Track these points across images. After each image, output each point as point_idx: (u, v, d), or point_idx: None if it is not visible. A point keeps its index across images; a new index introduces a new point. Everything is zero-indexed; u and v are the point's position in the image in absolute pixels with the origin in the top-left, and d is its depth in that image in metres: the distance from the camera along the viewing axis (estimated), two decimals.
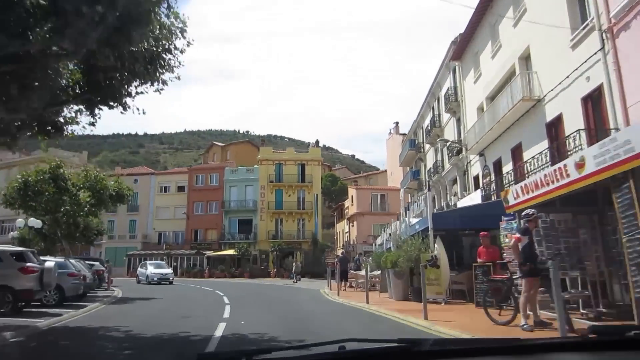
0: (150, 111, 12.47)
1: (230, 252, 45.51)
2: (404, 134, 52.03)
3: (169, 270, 34.51)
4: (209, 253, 46.63)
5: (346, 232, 56.28)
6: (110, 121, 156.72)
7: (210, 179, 52.01)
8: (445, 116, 27.70)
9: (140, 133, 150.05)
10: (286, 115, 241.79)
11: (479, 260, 11.46)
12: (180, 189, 53.51)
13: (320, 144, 69.92)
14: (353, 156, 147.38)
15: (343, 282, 21.25)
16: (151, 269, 33.53)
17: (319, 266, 46.37)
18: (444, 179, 28.66)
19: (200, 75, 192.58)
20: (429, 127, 30.97)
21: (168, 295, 21.03)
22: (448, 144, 24.99)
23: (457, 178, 25.75)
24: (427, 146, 33.44)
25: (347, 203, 56.94)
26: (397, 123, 56.62)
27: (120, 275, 48.79)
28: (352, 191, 53.91)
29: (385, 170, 61.25)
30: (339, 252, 45.36)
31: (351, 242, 52.04)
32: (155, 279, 32.31)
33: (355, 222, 51.27)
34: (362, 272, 19.25)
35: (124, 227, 53.90)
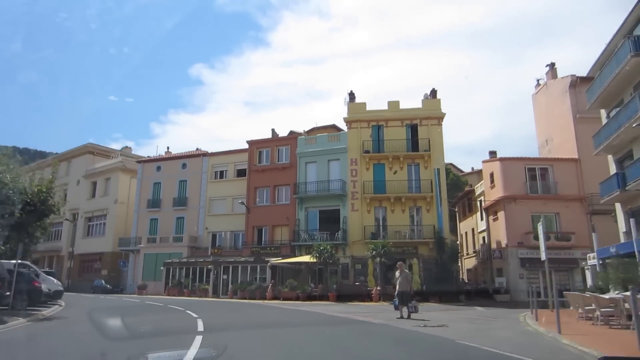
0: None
1: (307, 259, 28.92)
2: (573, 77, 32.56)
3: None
4: (274, 261, 30.37)
5: (480, 232, 37.10)
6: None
7: (278, 154, 36.22)
8: None
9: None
10: None
11: None
12: (241, 173, 38.47)
13: None
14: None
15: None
16: None
17: (448, 281, 28.43)
18: None
19: (289, 98, 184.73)
20: None
21: None
22: None
23: None
24: None
25: (477, 189, 37.83)
26: (552, 64, 36.83)
27: (154, 292, 34.47)
28: (489, 167, 34.77)
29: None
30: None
31: (494, 245, 32.95)
32: None
33: (499, 214, 32.14)
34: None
35: (168, 226, 39.98)
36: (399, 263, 15.25)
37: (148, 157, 47.62)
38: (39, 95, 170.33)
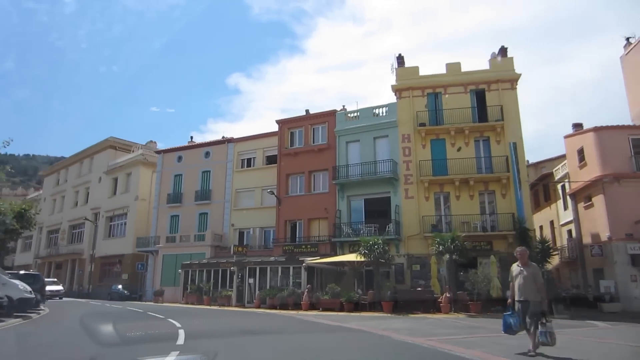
0: None
1: (352, 257, 22.80)
2: None
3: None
4: (310, 261, 24.41)
5: (564, 224, 29.87)
6: None
7: (313, 134, 30.42)
8: None
9: None
10: None
11: None
12: (271, 160, 32.99)
13: None
14: None
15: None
16: None
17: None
18: None
19: (325, 103, 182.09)
20: None
21: None
22: None
23: None
24: None
25: (557, 172, 30.59)
26: None
27: (172, 300, 29.39)
28: (575, 142, 27.52)
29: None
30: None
31: (587, 239, 25.78)
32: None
33: (595, 199, 25.00)
34: None
35: (190, 224, 34.98)
36: (519, 250, 8.50)
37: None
38: (85, 108, 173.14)
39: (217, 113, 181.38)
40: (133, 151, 44.64)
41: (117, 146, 47.21)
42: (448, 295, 19.81)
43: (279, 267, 25.15)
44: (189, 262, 29.73)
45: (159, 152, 39.27)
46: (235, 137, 35.70)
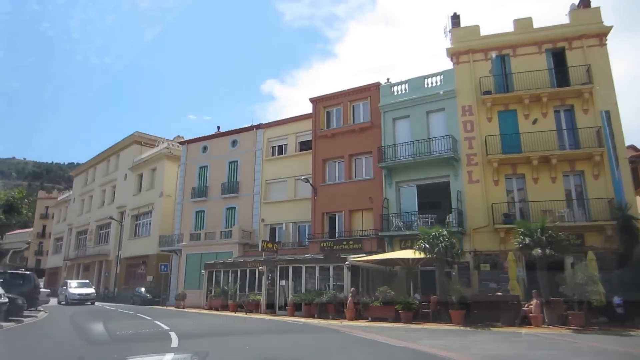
0: None
1: (408, 254, 18.26)
2: None
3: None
4: (353, 259, 20.00)
5: None
6: None
7: (353, 112, 26.15)
8: None
9: None
10: None
11: None
12: (305, 146, 28.99)
13: None
14: None
15: None
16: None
17: None
18: None
19: None
20: None
21: None
22: None
23: None
24: None
25: None
26: None
27: (195, 304, 25.82)
28: None
29: None
30: None
31: None
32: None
33: None
34: None
35: (216, 220, 31.40)
36: None
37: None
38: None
39: (252, 120, 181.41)
40: (158, 145, 41.70)
41: (142, 141, 44.42)
42: (538, 302, 15.03)
43: (316, 267, 20.87)
44: (212, 262, 26.01)
45: (182, 142, 35.98)
46: (264, 122, 31.91)
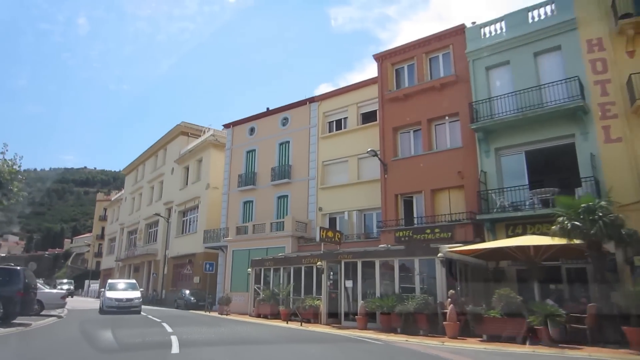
0: None
1: (540, 240, 12.52)
2: None
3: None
4: (448, 249, 14.45)
5: None
6: None
7: (430, 67, 20.56)
8: None
9: None
10: None
11: None
12: (368, 118, 23.87)
13: None
14: None
15: None
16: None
17: None
18: None
19: None
20: None
21: None
22: None
23: None
24: None
25: None
26: None
27: (241, 310, 21.39)
28: None
29: None
30: None
31: None
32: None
33: None
34: None
35: (266, 211, 26.94)
36: None
37: None
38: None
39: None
40: (204, 133, 38.13)
41: (189, 132, 41.10)
42: None
43: (395, 261, 15.53)
44: (260, 259, 21.43)
45: (227, 125, 31.92)
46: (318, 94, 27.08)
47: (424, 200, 18.87)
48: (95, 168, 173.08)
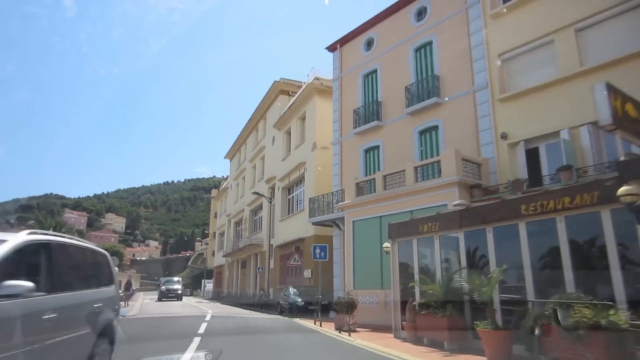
0: None
1: None
2: None
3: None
4: None
5: None
6: None
7: None
8: None
9: None
10: None
11: None
12: None
13: None
14: None
15: None
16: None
17: None
18: None
19: None
20: None
21: None
22: None
23: None
24: None
25: None
26: None
27: (374, 320, 10.91)
28: None
29: None
30: None
31: None
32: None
33: None
34: None
35: (402, 155, 16.52)
36: None
37: None
38: None
39: None
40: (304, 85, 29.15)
41: (289, 90, 32.64)
42: None
43: None
44: (411, 219, 11.15)
45: (332, 47, 22.10)
46: None
47: None
48: (223, 176, 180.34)
